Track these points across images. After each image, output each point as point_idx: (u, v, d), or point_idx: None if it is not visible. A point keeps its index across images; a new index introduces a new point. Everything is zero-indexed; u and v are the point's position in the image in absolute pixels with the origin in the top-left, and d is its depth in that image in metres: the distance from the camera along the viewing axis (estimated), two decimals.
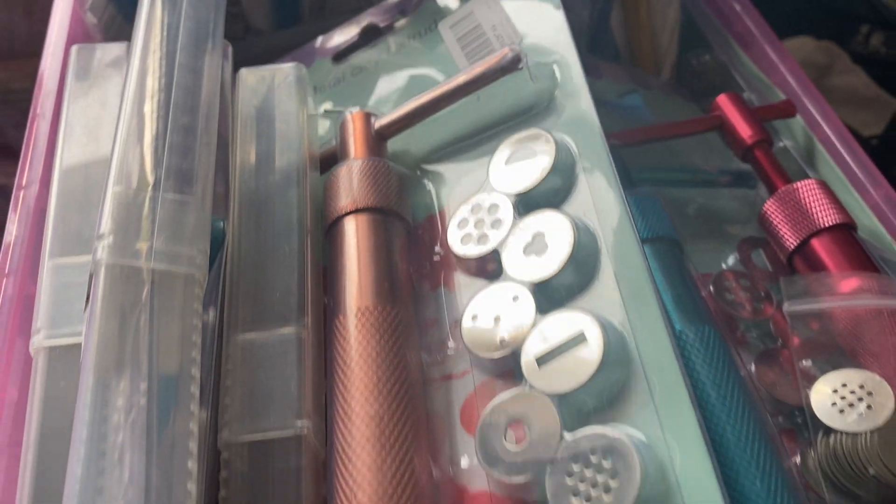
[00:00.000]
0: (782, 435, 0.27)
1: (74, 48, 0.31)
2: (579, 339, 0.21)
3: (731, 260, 0.32)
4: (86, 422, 0.20)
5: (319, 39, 0.37)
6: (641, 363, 0.21)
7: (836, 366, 0.27)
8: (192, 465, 0.20)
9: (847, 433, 0.25)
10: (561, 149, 0.26)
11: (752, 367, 0.29)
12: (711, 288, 0.31)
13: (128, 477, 0.20)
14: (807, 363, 0.27)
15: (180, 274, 0.22)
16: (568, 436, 0.20)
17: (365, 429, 0.22)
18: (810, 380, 0.27)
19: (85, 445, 0.20)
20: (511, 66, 0.28)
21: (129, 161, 0.24)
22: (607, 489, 0.19)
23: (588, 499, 0.19)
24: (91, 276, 0.22)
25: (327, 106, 0.34)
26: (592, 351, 0.21)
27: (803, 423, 0.27)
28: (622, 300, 0.22)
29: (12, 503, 0.23)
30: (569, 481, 0.19)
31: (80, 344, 0.24)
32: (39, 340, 0.24)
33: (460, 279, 0.26)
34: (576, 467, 0.20)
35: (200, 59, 0.27)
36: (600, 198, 0.25)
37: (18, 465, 0.23)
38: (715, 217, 0.35)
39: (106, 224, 0.22)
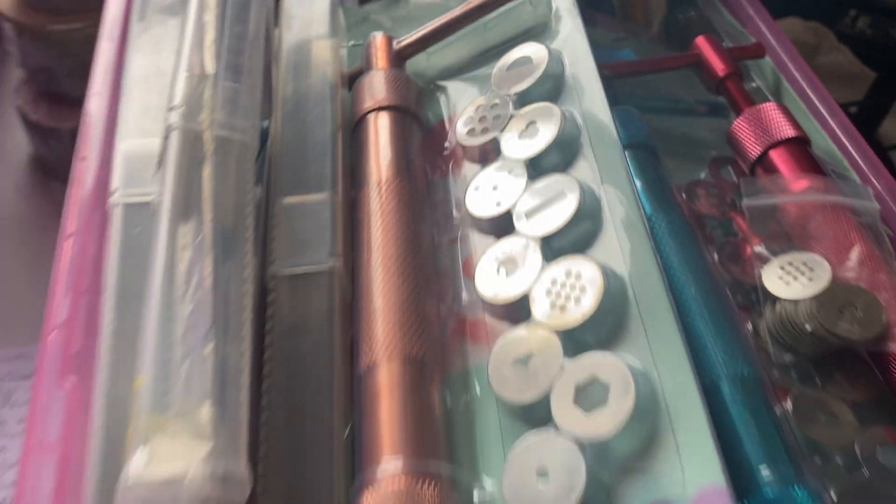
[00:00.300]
0: (739, 309, 0.32)
1: None
2: (562, 195, 0.26)
3: (703, 175, 0.37)
4: (159, 259, 0.25)
5: None
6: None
7: (785, 250, 0.32)
8: (247, 299, 0.25)
9: (790, 300, 0.30)
10: (554, 57, 0.31)
11: (716, 257, 0.33)
12: (684, 194, 0.35)
13: (193, 306, 0.24)
14: (760, 249, 0.32)
15: (236, 140, 0.27)
16: (548, 265, 0.25)
17: (385, 274, 0.27)
18: (763, 261, 0.32)
19: (159, 280, 0.25)
20: None
21: (194, 56, 0.29)
22: (578, 298, 0.24)
23: (562, 306, 0.24)
24: (164, 140, 0.27)
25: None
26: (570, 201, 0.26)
27: (756, 300, 0.31)
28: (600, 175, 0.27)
29: (97, 329, 0.27)
30: (548, 292, 0.24)
31: (147, 202, 0.29)
32: (116, 198, 0.29)
33: (466, 166, 0.31)
34: (554, 286, 0.24)
35: None
36: (586, 96, 0.30)
37: (100, 301, 0.28)
38: (693, 143, 0.39)
39: (177, 98, 0.27)
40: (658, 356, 0.23)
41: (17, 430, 0.46)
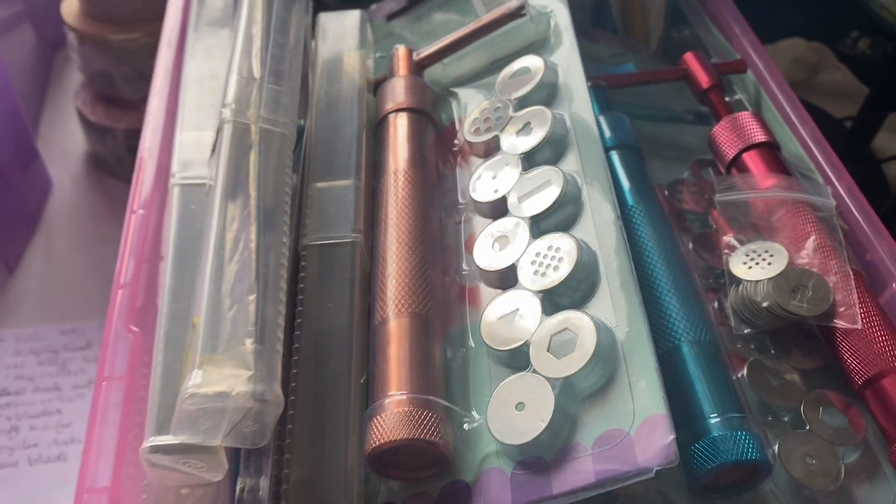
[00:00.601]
0: (707, 292, 0.36)
1: None
2: (549, 183, 0.31)
3: (685, 174, 0.41)
4: (213, 229, 0.30)
5: (374, 6, 0.48)
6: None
7: (751, 239, 0.36)
8: (283, 263, 0.30)
9: (751, 281, 0.34)
10: (549, 68, 0.36)
11: (691, 245, 0.38)
12: (666, 192, 0.40)
13: (238, 266, 0.29)
14: (730, 238, 0.36)
15: (277, 133, 0.32)
16: (534, 241, 0.30)
17: (398, 246, 0.32)
18: (732, 249, 0.36)
19: (212, 245, 0.30)
20: (517, 12, 0.38)
21: (243, 62, 0.34)
22: (556, 267, 0.29)
23: (543, 273, 0.29)
24: (218, 131, 0.32)
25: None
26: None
27: (724, 283, 0.36)
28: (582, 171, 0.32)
29: (156, 289, 0.33)
30: (532, 262, 0.29)
31: (200, 184, 0.34)
32: (175, 180, 0.34)
33: (472, 160, 0.36)
34: (538, 257, 0.29)
35: (291, 5, 0.38)
36: (575, 102, 0.35)
37: (159, 266, 0.33)
38: (681, 147, 0.44)
39: (229, 97, 0.32)
40: (619, 315, 0.27)
41: (71, 395, 0.51)
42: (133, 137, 0.61)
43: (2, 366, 0.52)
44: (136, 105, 0.60)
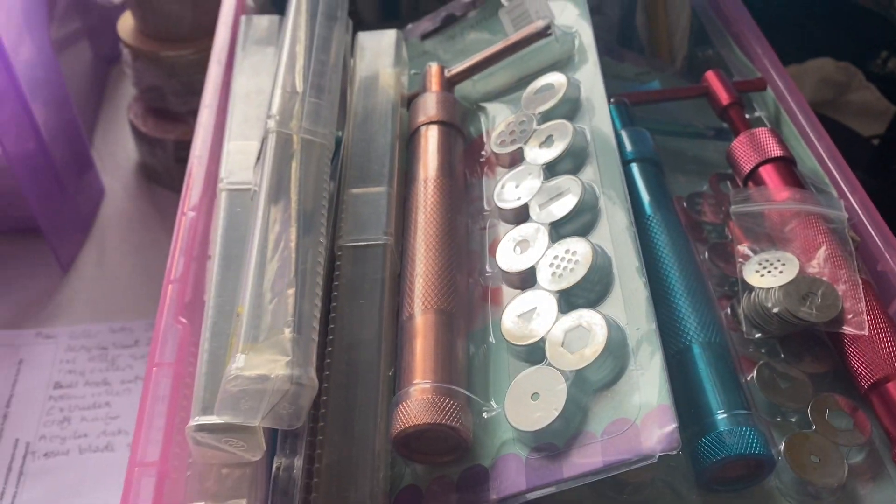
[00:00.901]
0: (722, 299, 0.38)
1: (244, 17, 0.45)
2: (568, 191, 0.33)
3: (704, 187, 0.43)
4: (256, 229, 0.33)
5: (410, 25, 0.50)
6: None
7: (765, 249, 0.38)
8: (320, 263, 0.32)
9: (763, 288, 0.36)
10: (572, 84, 0.38)
11: (707, 255, 0.39)
12: (685, 204, 0.42)
13: (279, 264, 0.32)
14: (745, 248, 0.38)
15: (317, 143, 0.35)
16: (552, 245, 0.32)
17: (426, 249, 0.34)
18: (745, 258, 0.38)
19: (256, 244, 0.32)
20: (543, 32, 0.40)
21: (287, 77, 0.37)
22: (573, 269, 0.31)
23: (560, 275, 0.31)
24: (263, 140, 0.35)
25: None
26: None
27: (737, 290, 0.37)
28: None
29: (203, 286, 0.36)
30: (550, 264, 0.31)
31: (246, 189, 0.37)
32: (223, 185, 0.37)
33: (497, 170, 0.38)
34: (556, 260, 0.31)
35: (332, 24, 0.41)
36: (595, 117, 0.37)
37: (206, 264, 0.36)
38: (701, 162, 0.45)
39: (274, 108, 0.35)
40: (630, 314, 0.29)
41: (119, 389, 0.54)
42: (181, 148, 0.64)
43: (55, 360, 0.55)
44: (185, 118, 0.64)
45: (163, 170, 0.66)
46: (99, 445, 0.51)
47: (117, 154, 0.69)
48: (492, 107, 0.42)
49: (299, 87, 0.37)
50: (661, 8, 0.52)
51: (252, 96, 0.42)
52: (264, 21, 0.46)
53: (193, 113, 0.63)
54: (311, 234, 0.33)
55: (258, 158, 0.36)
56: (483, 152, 0.39)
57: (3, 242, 0.62)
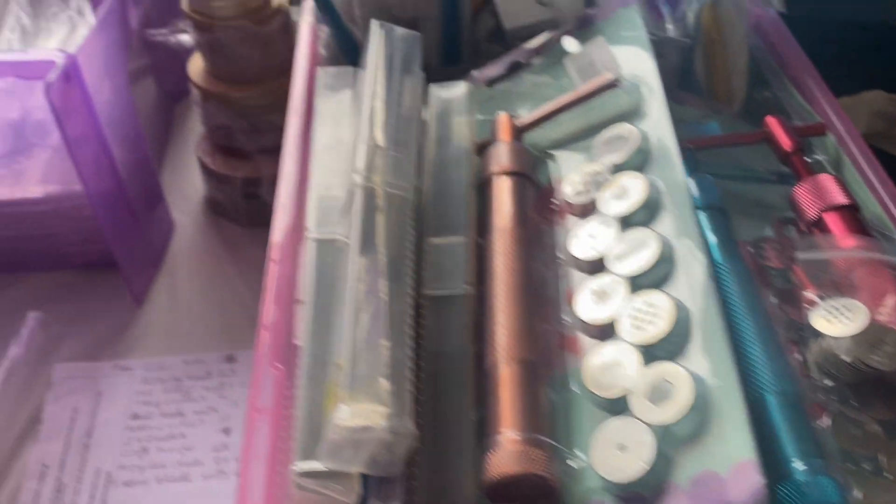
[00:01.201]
0: (790, 344, 0.39)
1: (320, 69, 0.48)
2: (645, 245, 0.35)
3: (767, 231, 0.44)
4: (350, 280, 0.34)
5: (475, 72, 0.52)
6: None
7: (832, 296, 0.39)
8: (409, 311, 0.34)
9: (833, 336, 0.37)
10: (643, 136, 0.39)
11: (776, 301, 0.41)
12: (751, 248, 0.43)
13: (372, 318, 0.34)
14: (812, 294, 0.39)
15: (400, 196, 0.37)
16: (632, 297, 0.33)
17: (506, 300, 0.36)
18: (813, 305, 0.39)
19: (351, 298, 0.34)
20: (610, 84, 0.42)
21: (370, 132, 0.39)
22: (654, 322, 0.32)
23: (642, 328, 0.32)
24: (350, 194, 0.37)
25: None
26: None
27: (806, 336, 0.38)
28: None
29: (294, 330, 0.37)
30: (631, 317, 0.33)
31: (332, 239, 0.39)
32: (311, 234, 0.39)
33: (570, 219, 0.40)
34: (636, 312, 0.33)
35: (407, 78, 0.43)
36: (667, 167, 0.38)
37: (296, 308, 0.38)
38: (764, 205, 0.47)
39: (359, 162, 0.37)
40: (712, 367, 0.30)
41: (194, 420, 0.57)
42: (249, 185, 0.67)
43: (132, 392, 0.58)
44: (252, 155, 0.66)
45: (230, 205, 0.68)
46: (175, 475, 0.53)
47: (185, 188, 0.72)
48: (561, 154, 0.43)
49: (381, 141, 0.39)
50: (719, 51, 0.53)
51: (333, 147, 0.44)
52: (340, 72, 0.48)
53: (261, 151, 0.66)
54: (399, 284, 0.35)
55: (345, 210, 0.38)
56: (554, 200, 0.41)
57: (79, 276, 0.64)
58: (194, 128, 0.77)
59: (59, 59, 0.50)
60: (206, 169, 0.67)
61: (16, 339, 0.59)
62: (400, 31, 0.45)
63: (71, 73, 0.50)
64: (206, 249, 0.67)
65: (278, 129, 0.65)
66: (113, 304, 0.63)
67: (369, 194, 0.37)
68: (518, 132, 0.44)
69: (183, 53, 0.67)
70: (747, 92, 0.55)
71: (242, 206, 0.68)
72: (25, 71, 0.51)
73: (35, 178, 0.61)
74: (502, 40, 0.59)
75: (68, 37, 0.66)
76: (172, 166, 0.74)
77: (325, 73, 0.47)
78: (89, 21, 0.66)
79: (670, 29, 0.51)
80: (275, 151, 0.65)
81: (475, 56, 0.60)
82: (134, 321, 0.62)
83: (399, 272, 0.35)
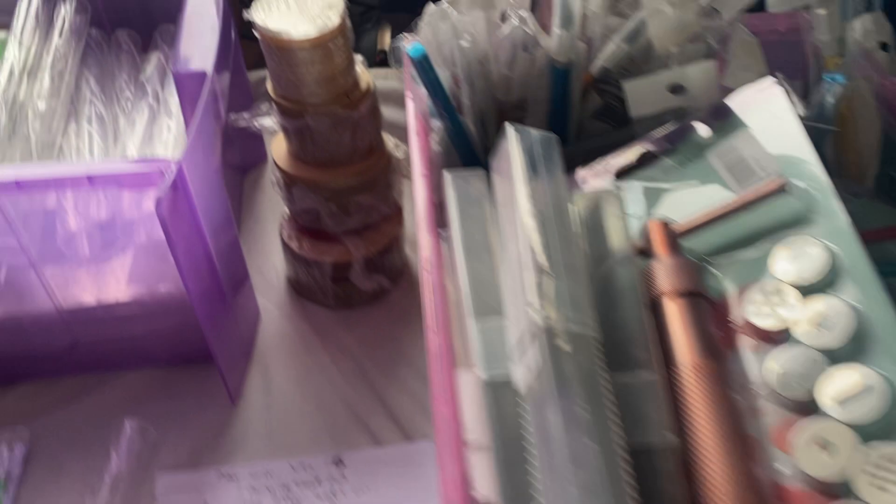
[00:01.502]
0: None
1: (447, 175, 0.45)
2: (870, 389, 0.32)
3: None
4: (553, 438, 0.32)
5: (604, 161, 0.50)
6: None
7: None
8: (625, 471, 0.31)
9: None
10: (827, 250, 0.37)
11: None
12: None
13: (588, 482, 0.30)
14: None
15: (585, 334, 0.34)
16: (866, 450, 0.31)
17: (713, 445, 0.33)
18: None
19: (558, 462, 0.31)
20: (778, 191, 0.39)
21: (534, 260, 0.36)
22: None
23: (886, 489, 0.29)
24: (529, 335, 0.34)
25: None
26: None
27: None
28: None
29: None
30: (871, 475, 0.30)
31: (506, 381, 0.36)
32: (480, 373, 0.36)
33: (754, 343, 0.37)
34: (878, 470, 0.30)
35: (551, 181, 0.40)
36: (862, 283, 0.35)
37: (468, 452, 0.35)
38: None
39: (530, 295, 0.34)
40: None
41: None
42: (338, 269, 0.64)
43: (240, 501, 0.55)
44: (340, 238, 0.63)
45: (318, 289, 0.65)
46: None
47: (265, 270, 0.69)
48: (722, 262, 0.41)
49: (546, 265, 0.36)
50: (850, 128, 0.51)
51: (480, 261, 0.41)
52: (470, 177, 0.45)
53: (348, 233, 0.63)
54: (606, 436, 0.32)
55: (520, 351, 0.35)
56: (731, 318, 0.38)
57: (169, 374, 0.62)
58: (263, 203, 0.74)
59: (168, 170, 0.47)
60: (292, 254, 0.65)
61: (115, 446, 0.56)
62: (535, 133, 0.42)
63: (178, 182, 0.48)
64: (296, 336, 0.64)
65: (366, 210, 0.63)
66: (205, 401, 0.60)
67: (551, 337, 0.34)
68: (674, 240, 0.41)
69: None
70: (879, 167, 0.52)
71: (331, 289, 0.65)
72: (132, 182, 0.48)
73: (123, 278, 0.58)
74: (608, 118, 0.57)
75: (150, 126, 0.63)
76: (248, 246, 0.71)
77: (455, 180, 0.44)
78: (170, 108, 0.63)
79: (803, 112, 0.49)
80: (363, 232, 0.63)
81: (580, 134, 0.58)
82: (231, 420, 0.59)
83: (600, 422, 0.32)
